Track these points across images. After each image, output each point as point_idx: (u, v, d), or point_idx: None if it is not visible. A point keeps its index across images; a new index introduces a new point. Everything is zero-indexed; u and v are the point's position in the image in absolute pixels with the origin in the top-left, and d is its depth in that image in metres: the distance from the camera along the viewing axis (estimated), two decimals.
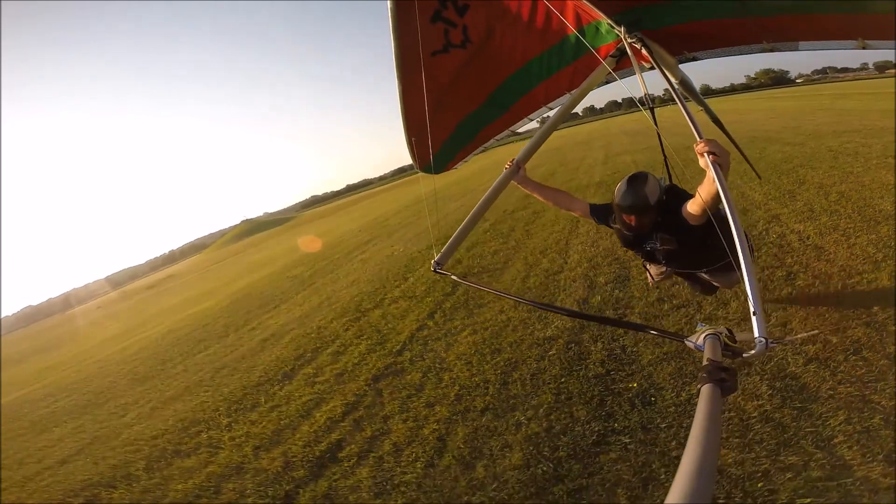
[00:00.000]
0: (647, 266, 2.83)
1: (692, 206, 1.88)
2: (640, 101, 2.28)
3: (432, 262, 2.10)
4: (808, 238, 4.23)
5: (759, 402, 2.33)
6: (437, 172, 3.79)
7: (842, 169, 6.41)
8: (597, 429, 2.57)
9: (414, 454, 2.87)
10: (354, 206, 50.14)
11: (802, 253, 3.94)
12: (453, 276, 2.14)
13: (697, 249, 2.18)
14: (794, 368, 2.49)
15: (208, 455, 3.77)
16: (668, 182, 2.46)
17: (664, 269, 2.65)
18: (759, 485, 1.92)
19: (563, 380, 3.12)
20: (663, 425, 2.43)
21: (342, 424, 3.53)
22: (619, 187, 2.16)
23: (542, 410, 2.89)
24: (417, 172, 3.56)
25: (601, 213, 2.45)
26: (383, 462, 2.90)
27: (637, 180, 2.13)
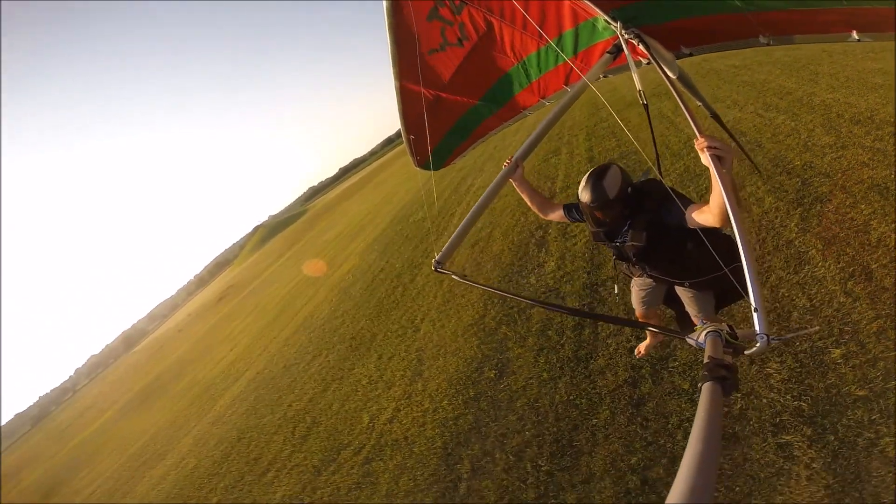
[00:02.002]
0: (632, 284, 2.69)
1: (699, 216, 1.78)
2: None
3: (433, 261, 2.08)
4: None
5: None
6: (435, 169, 3.79)
7: None
8: None
9: None
10: (371, 180, 51.48)
11: None
12: (454, 275, 2.08)
13: (674, 251, 2.08)
14: None
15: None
16: (658, 178, 2.33)
17: (642, 277, 2.45)
18: None
19: None
20: None
21: None
22: (581, 182, 2.13)
23: None
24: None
25: (574, 210, 2.42)
26: None
27: (596, 174, 2.08)
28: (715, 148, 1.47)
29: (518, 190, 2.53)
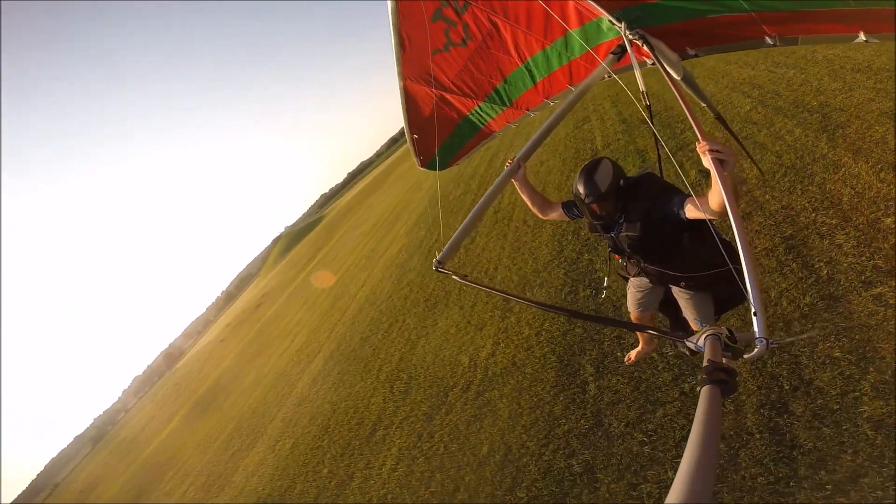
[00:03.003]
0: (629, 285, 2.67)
1: (697, 209, 1.81)
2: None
3: (434, 261, 2.11)
4: None
5: None
6: (440, 169, 3.83)
7: None
8: None
9: None
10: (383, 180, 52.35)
11: None
12: (454, 276, 2.07)
13: (669, 244, 2.10)
14: None
15: None
16: (659, 174, 2.39)
17: (639, 276, 2.45)
18: None
19: None
20: None
21: None
22: (576, 177, 2.17)
23: None
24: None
25: (572, 207, 2.45)
26: None
27: (588, 169, 2.13)
28: (717, 151, 1.50)
29: (519, 190, 2.56)
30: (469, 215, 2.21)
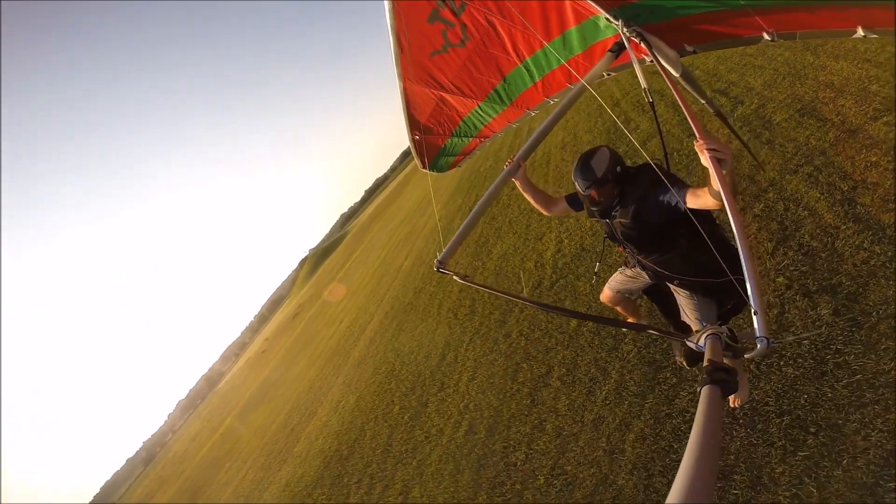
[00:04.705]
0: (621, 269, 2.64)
1: (696, 198, 1.80)
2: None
3: (435, 261, 2.12)
4: None
5: None
6: (442, 171, 3.69)
7: None
8: None
9: None
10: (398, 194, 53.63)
11: None
12: (455, 276, 2.07)
13: (665, 237, 2.10)
14: None
15: None
16: (665, 166, 2.32)
17: (634, 268, 2.47)
18: None
19: None
20: None
21: None
22: (574, 163, 2.19)
23: None
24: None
25: (575, 198, 2.45)
26: None
27: (585, 155, 2.15)
28: (715, 150, 1.48)
29: (521, 189, 2.56)
30: (469, 216, 2.23)
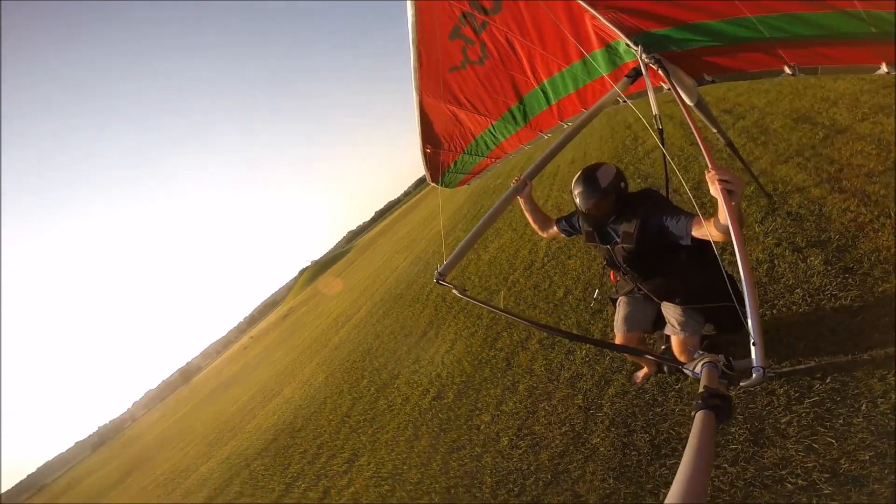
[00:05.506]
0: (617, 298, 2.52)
1: (701, 228, 1.76)
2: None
3: (435, 273, 2.11)
4: None
5: None
6: (450, 187, 3.64)
7: None
8: None
9: None
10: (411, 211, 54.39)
11: None
12: (454, 290, 2.06)
13: (666, 262, 2.08)
14: None
15: None
16: (665, 194, 2.32)
17: (632, 293, 2.39)
18: None
19: None
20: None
21: None
22: (576, 177, 2.15)
23: None
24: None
25: (568, 220, 2.44)
26: None
27: (589, 168, 2.12)
28: (726, 181, 1.48)
29: (523, 207, 2.59)
30: (472, 231, 2.23)
